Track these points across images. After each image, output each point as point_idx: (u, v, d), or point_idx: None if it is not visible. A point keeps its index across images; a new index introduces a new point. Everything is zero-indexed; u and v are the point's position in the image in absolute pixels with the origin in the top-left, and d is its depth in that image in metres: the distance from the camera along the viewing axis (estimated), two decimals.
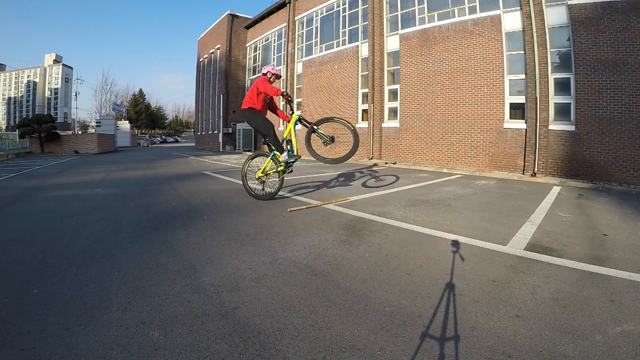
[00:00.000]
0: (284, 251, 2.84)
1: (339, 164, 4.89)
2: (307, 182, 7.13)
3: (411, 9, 12.13)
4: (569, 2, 8.32)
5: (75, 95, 43.39)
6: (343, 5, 15.09)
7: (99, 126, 31.24)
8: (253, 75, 23.26)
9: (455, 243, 3.08)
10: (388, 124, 12.83)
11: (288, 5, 18.05)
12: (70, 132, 34.84)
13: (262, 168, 5.01)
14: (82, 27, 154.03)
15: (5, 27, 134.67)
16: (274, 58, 20.47)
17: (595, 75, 7.96)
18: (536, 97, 8.77)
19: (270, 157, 4.90)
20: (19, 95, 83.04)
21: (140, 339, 1.59)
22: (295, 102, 17.88)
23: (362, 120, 13.98)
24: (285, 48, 18.46)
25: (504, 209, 4.65)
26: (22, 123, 21.80)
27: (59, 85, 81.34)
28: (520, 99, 9.38)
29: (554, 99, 8.76)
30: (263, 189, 5.08)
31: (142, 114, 66.44)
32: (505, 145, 9.57)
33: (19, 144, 20.15)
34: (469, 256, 2.76)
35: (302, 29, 17.71)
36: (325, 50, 16.10)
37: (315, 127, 4.66)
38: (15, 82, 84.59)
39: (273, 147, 4.82)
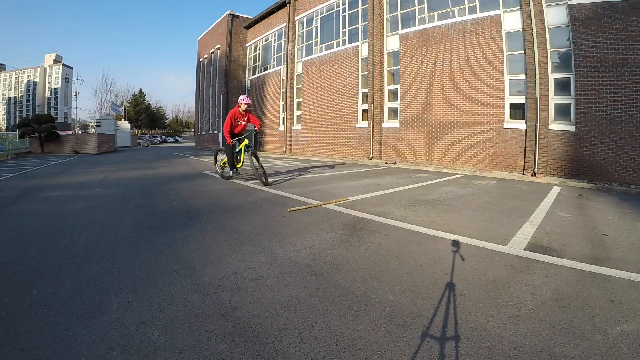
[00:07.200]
0: (284, 251, 2.84)
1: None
2: (307, 181, 7.13)
3: (411, 9, 12.13)
4: (569, 2, 8.32)
5: (75, 95, 43.49)
6: (343, 5, 15.08)
7: (99, 126, 31.25)
8: (253, 75, 23.24)
9: (456, 243, 3.08)
10: (388, 124, 12.83)
11: (288, 5, 18.03)
12: (70, 132, 34.88)
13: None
14: (82, 27, 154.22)
15: (6, 27, 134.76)
16: (274, 58, 20.45)
17: (595, 75, 7.96)
18: (536, 97, 8.76)
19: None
20: (19, 95, 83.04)
21: (140, 339, 1.59)
22: (295, 102, 17.94)
23: (362, 120, 13.97)
24: (285, 48, 18.45)
25: (504, 209, 4.65)
26: (22, 123, 21.81)
27: (59, 85, 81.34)
28: (520, 99, 9.37)
29: (554, 99, 8.76)
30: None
31: (142, 114, 66.41)
32: (505, 145, 9.57)
33: (19, 144, 20.15)
34: (469, 256, 2.76)
35: (302, 29, 17.70)
36: (325, 50, 16.09)
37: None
38: (15, 82, 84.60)
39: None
